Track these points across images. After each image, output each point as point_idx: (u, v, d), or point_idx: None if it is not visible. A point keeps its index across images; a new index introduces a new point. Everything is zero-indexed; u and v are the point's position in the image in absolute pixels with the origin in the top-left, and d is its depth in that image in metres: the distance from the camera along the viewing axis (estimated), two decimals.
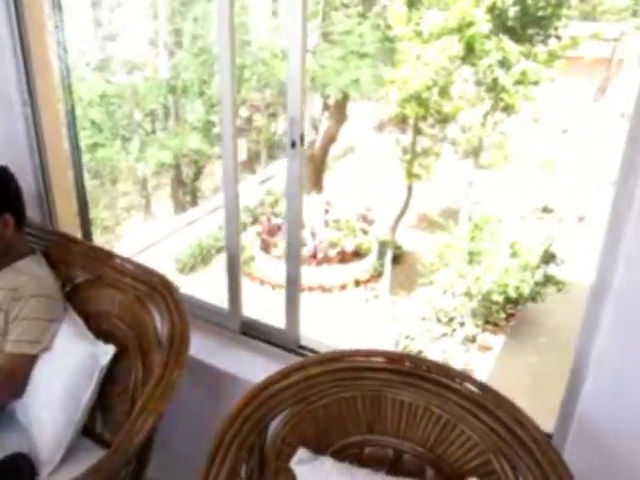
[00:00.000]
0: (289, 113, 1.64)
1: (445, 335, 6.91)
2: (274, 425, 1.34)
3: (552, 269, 7.54)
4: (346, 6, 9.36)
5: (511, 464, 1.17)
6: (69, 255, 1.88)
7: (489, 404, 1.22)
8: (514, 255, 7.20)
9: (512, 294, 7.10)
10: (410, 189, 9.13)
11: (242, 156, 14.84)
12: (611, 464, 1.31)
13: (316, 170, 10.08)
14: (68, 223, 2.27)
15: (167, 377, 1.46)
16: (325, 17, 9.13)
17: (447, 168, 10.33)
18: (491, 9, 7.15)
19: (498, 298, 7.31)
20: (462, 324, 6.99)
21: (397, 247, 10.21)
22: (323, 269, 10.13)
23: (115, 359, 1.63)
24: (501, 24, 7.42)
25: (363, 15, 9.07)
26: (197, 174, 13.81)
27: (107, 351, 1.63)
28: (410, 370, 1.29)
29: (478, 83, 8.15)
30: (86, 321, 1.75)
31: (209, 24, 11.40)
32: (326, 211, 11.13)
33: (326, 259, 10.21)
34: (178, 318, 1.58)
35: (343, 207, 11.48)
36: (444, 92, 7.67)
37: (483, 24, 7.06)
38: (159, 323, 1.61)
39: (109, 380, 1.65)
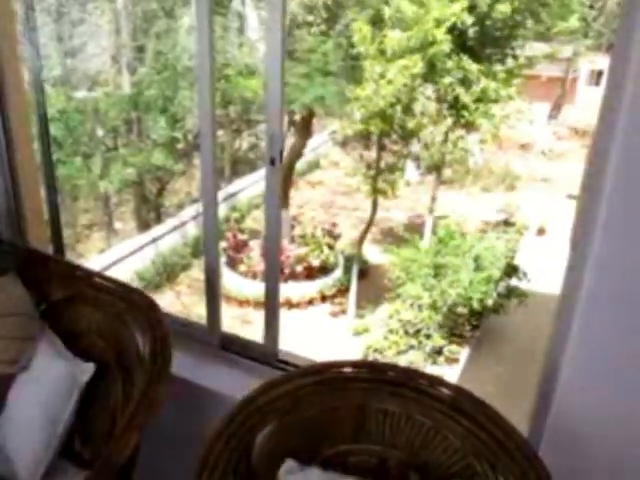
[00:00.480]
0: (268, 130, 1.69)
1: (412, 347, 7.01)
2: (260, 438, 1.35)
3: (514, 281, 7.75)
4: (310, 24, 9.50)
5: (491, 465, 1.22)
6: (44, 273, 1.87)
7: (469, 409, 1.27)
8: (478, 268, 7.36)
9: (476, 306, 7.25)
10: (375, 204, 9.25)
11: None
12: (583, 465, 1.37)
13: (282, 186, 10.10)
14: (39, 239, 2.24)
15: (151, 394, 1.46)
16: (289, 34, 9.24)
17: (411, 183, 10.53)
18: (451, 29, 7.38)
19: (463, 310, 7.45)
20: (429, 336, 7.10)
21: (363, 262, 10.30)
22: (290, 285, 10.12)
23: (94, 377, 1.62)
24: (461, 44, 7.67)
25: (326, 33, 9.23)
26: (161, 191, 13.67)
27: (86, 369, 1.62)
28: (393, 379, 1.33)
29: (440, 100, 8.36)
30: (64, 339, 1.72)
31: (173, 40, 11.39)
32: (292, 227, 11.16)
33: (293, 275, 10.21)
34: (160, 334, 1.58)
35: (309, 223, 11.54)
36: (407, 109, 7.85)
37: (444, 44, 7.29)
38: (140, 340, 1.60)
39: (88, 399, 1.63)
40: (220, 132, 14.56)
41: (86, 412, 1.65)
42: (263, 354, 1.91)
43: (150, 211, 13.79)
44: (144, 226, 13.35)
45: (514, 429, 1.25)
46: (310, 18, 10.04)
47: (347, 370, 1.38)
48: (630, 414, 1.28)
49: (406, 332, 7.26)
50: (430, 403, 1.30)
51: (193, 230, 12.10)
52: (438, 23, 7.18)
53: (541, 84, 10.46)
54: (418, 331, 7.21)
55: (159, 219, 13.59)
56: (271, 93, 1.63)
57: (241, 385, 1.86)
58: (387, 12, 7.47)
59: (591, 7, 10.23)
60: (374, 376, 1.36)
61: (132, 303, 1.68)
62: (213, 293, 1.95)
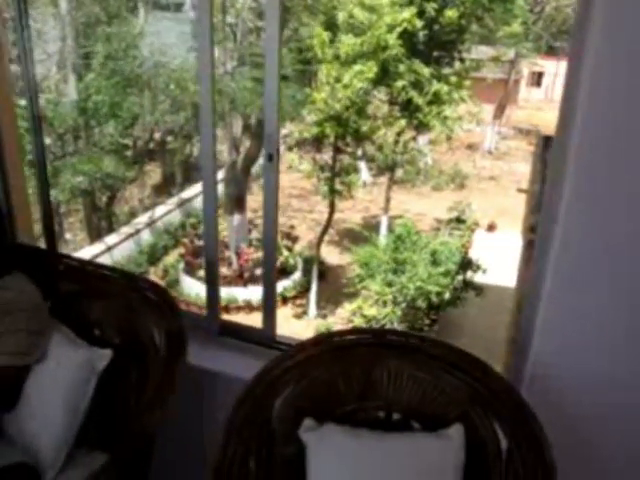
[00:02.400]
0: (266, 130, 1.83)
1: None
2: (278, 403, 1.48)
3: (470, 275, 8.09)
4: (262, 29, 9.63)
5: (484, 410, 1.40)
6: (50, 269, 1.93)
7: (462, 363, 1.45)
8: (435, 263, 7.66)
9: (435, 299, 7.55)
10: (332, 205, 9.45)
11: (156, 179, 14.65)
12: (560, 416, 1.55)
13: (237, 190, 10.20)
14: (29, 236, 2.30)
15: (168, 379, 1.56)
16: (243, 40, 9.36)
17: (365, 184, 10.79)
18: (402, 34, 7.68)
19: (422, 304, 7.72)
20: None
21: (322, 263, 10.48)
22: (250, 289, 10.19)
23: (109, 365, 1.67)
24: (412, 48, 7.98)
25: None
26: (112, 199, 13.45)
27: (103, 356, 1.67)
28: (393, 342, 1.51)
29: (392, 103, 8.66)
30: (75, 331, 1.79)
31: (121, 45, 11.26)
32: (249, 230, 11.24)
33: (252, 278, 10.28)
34: (173, 320, 1.68)
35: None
36: (362, 112, 8.10)
37: (396, 48, 7.57)
38: (154, 327, 1.67)
39: (103, 386, 1.68)
40: (169, 138, 14.47)
41: (101, 398, 1.69)
42: (262, 337, 2.04)
43: (101, 220, 13.54)
44: (96, 236, 13.10)
45: (503, 378, 1.45)
46: (260, 24, 10.20)
47: (351, 337, 1.54)
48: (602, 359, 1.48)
49: None
50: (428, 361, 1.47)
51: (148, 237, 11.99)
52: (390, 28, 7.46)
53: (487, 86, 10.93)
54: (382, 327, 7.43)
55: (111, 228, 13.37)
56: (267, 95, 1.77)
57: (245, 365, 1.98)
58: (340, 18, 7.71)
59: (531, 11, 10.78)
60: (376, 340, 1.52)
61: (143, 292, 1.76)
62: (213, 283, 2.06)
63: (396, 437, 1.42)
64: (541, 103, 18.37)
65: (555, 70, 18.39)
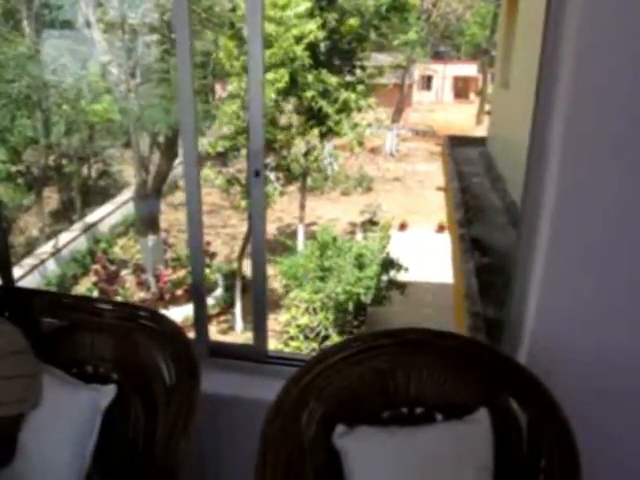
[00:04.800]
0: (252, 146, 1.84)
1: (314, 350, 7.27)
2: (306, 414, 1.49)
3: (392, 274, 8.37)
4: (162, 43, 9.44)
5: (500, 390, 1.51)
6: (27, 307, 1.81)
7: (481, 354, 1.55)
8: (360, 266, 7.86)
9: (363, 299, 7.73)
10: (250, 218, 9.40)
11: (54, 205, 13.84)
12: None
13: (151, 211, 9.91)
14: None
15: (186, 408, 1.51)
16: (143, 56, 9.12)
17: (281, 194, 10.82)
18: (308, 45, 7.84)
19: (350, 307, 7.88)
20: (327, 337, 7.42)
21: (242, 277, 10.40)
22: (172, 310, 9.91)
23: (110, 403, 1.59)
24: (316, 58, 8.16)
25: (170, 52, 9.23)
26: (7, 230, 12.55)
27: (106, 392, 1.60)
28: (411, 340, 1.57)
29: (300, 112, 8.79)
30: (63, 370, 1.68)
31: (6, 67, 10.56)
32: (164, 251, 10.93)
33: (174, 299, 10.02)
34: (181, 347, 1.63)
35: (180, 245, 11.36)
36: (274, 123, 8.16)
37: (304, 59, 7.71)
38: (159, 357, 1.62)
39: (106, 426, 1.59)
40: (64, 161, 13.72)
41: (106, 440, 1.61)
42: (255, 354, 2.03)
43: None
44: None
45: (511, 358, 1.59)
46: (154, 37, 9.98)
47: (369, 341, 1.57)
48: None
49: (306, 337, 7.53)
50: (443, 353, 1.55)
51: (54, 267, 11.30)
52: (297, 40, 7.60)
53: (385, 91, 11.40)
54: (317, 334, 7.51)
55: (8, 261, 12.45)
56: (253, 113, 1.78)
57: (243, 384, 1.98)
58: (246, 31, 7.69)
59: (418, 18, 11.38)
60: (394, 341, 1.57)
61: (140, 321, 1.69)
62: (199, 304, 2.03)
63: (426, 429, 1.48)
64: (432, 105, 19.40)
65: (442, 73, 19.52)
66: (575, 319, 1.59)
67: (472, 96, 20.61)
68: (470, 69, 19.63)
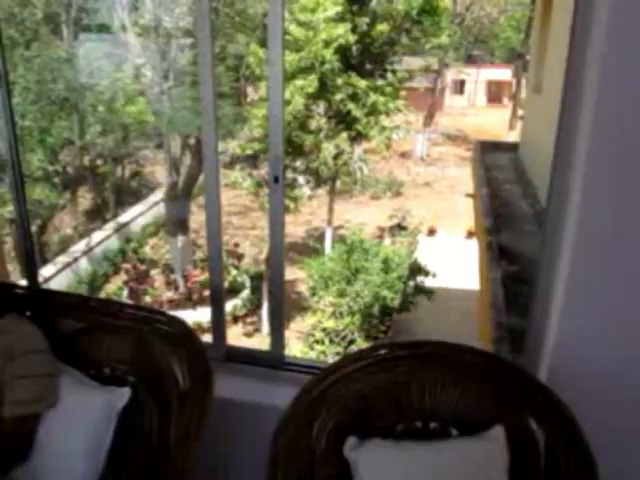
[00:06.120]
0: (271, 152, 1.83)
1: (339, 354, 7.24)
2: (317, 425, 1.47)
3: (420, 279, 8.29)
4: (195, 46, 9.55)
5: (519, 409, 1.45)
6: (48, 308, 1.84)
7: (491, 365, 1.51)
8: (387, 270, 7.80)
9: (389, 304, 7.67)
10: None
11: (87, 205, 14.11)
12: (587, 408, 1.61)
13: (182, 211, 10.03)
14: (3, 274, 2.19)
15: (199, 412, 1.52)
16: (177, 59, 9.25)
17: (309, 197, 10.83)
18: (338, 49, 7.84)
19: (376, 312, 7.82)
20: (353, 341, 7.39)
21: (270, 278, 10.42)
22: (199, 311, 9.99)
23: (126, 405, 1.60)
24: (347, 62, 8.15)
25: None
26: (43, 228, 12.84)
27: (121, 395, 1.61)
28: (428, 352, 1.54)
29: (330, 116, 8.79)
30: (82, 371, 1.70)
31: (46, 69, 10.83)
32: (193, 252, 11.05)
33: (201, 299, 10.09)
34: (194, 351, 1.62)
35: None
36: (304, 127, 8.17)
37: (333, 62, 7.71)
38: (173, 360, 1.62)
39: (121, 428, 1.61)
40: (99, 162, 14.00)
41: (121, 441, 1.62)
42: (272, 360, 2.02)
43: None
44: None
45: (534, 377, 1.53)
46: (187, 41, 10.11)
47: (385, 351, 1.55)
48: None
49: (331, 340, 7.50)
50: (460, 368, 1.51)
51: (86, 266, 11.53)
52: (326, 44, 7.60)
53: (417, 95, 11.31)
54: (343, 338, 7.47)
55: (44, 258, 12.75)
56: (273, 118, 1.78)
57: (259, 390, 1.97)
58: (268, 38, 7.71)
59: (451, 22, 11.27)
60: (410, 353, 1.54)
61: (156, 325, 1.69)
62: (218, 309, 2.03)
63: (441, 445, 1.45)
64: (465, 109, 19.19)
65: (476, 77, 19.29)
66: (598, 335, 1.54)
67: (506, 101, 20.32)
68: (504, 73, 19.35)
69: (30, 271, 2.25)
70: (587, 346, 1.56)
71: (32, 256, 2.26)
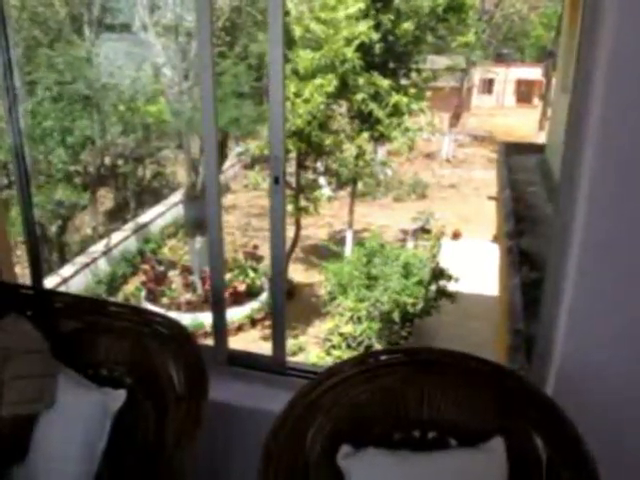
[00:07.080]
0: (272, 152, 1.75)
1: None
2: (311, 432, 1.40)
3: (442, 283, 8.06)
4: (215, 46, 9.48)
5: (521, 421, 1.36)
6: (44, 307, 1.80)
7: (495, 375, 1.42)
8: (407, 275, 7.59)
9: (410, 310, 7.46)
10: (298, 223, 9.30)
11: (108, 205, 14.18)
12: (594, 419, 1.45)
13: (199, 212, 9.95)
14: (11, 273, 2.12)
15: (194, 416, 1.47)
16: (196, 58, 9.17)
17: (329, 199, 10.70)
18: (360, 47, 7.67)
19: (396, 318, 7.61)
20: (370, 347, 7.19)
21: (289, 281, 10.28)
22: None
23: (122, 407, 1.58)
24: (369, 60, 7.97)
25: (224, 55, 9.24)
26: (63, 228, 12.91)
27: (117, 397, 1.58)
28: (426, 359, 1.45)
29: (353, 117, 8.62)
30: (79, 372, 1.67)
31: (69, 68, 10.89)
32: None
33: None
34: (190, 354, 1.58)
35: (229, 247, 11.39)
36: (324, 127, 8.01)
37: (354, 61, 7.54)
38: (170, 363, 1.58)
39: (117, 430, 1.58)
40: (120, 162, 14.04)
41: (116, 443, 1.59)
42: (273, 364, 1.99)
43: (52, 251, 12.97)
44: (47, 268, 12.51)
45: (538, 390, 1.43)
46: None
47: (384, 357, 1.48)
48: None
49: (348, 346, 7.33)
50: (461, 376, 1.43)
51: (105, 266, 11.54)
52: (348, 42, 7.44)
53: (442, 95, 11.08)
54: (360, 343, 7.29)
55: (63, 259, 12.82)
56: (273, 118, 1.70)
57: (259, 395, 1.88)
58: (297, 32, 7.63)
59: (479, 19, 11.03)
60: (409, 359, 1.46)
61: (155, 327, 1.66)
62: (219, 313, 1.95)
63: (438, 456, 1.37)
64: (493, 109, 18.84)
65: (504, 77, 18.94)
66: (606, 347, 1.48)
67: (536, 101, 19.85)
68: (534, 72, 18.88)
69: (35, 272, 2.17)
70: (594, 358, 1.50)
71: (37, 255, 2.19)
